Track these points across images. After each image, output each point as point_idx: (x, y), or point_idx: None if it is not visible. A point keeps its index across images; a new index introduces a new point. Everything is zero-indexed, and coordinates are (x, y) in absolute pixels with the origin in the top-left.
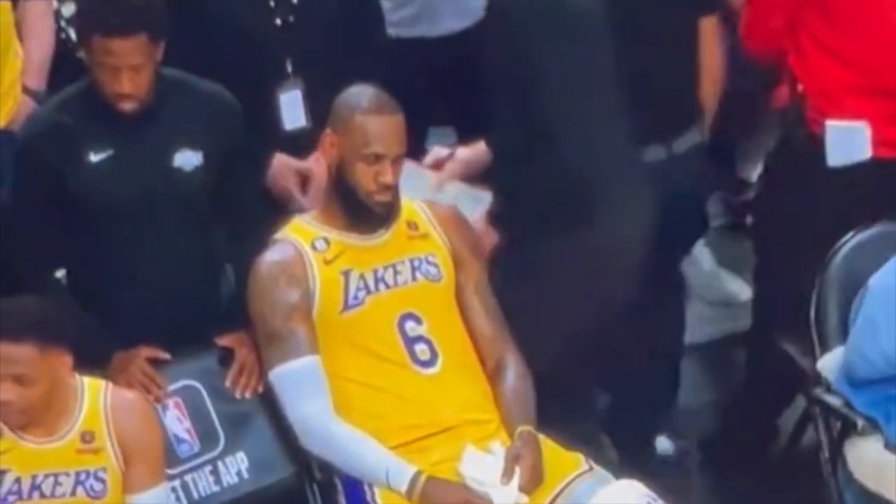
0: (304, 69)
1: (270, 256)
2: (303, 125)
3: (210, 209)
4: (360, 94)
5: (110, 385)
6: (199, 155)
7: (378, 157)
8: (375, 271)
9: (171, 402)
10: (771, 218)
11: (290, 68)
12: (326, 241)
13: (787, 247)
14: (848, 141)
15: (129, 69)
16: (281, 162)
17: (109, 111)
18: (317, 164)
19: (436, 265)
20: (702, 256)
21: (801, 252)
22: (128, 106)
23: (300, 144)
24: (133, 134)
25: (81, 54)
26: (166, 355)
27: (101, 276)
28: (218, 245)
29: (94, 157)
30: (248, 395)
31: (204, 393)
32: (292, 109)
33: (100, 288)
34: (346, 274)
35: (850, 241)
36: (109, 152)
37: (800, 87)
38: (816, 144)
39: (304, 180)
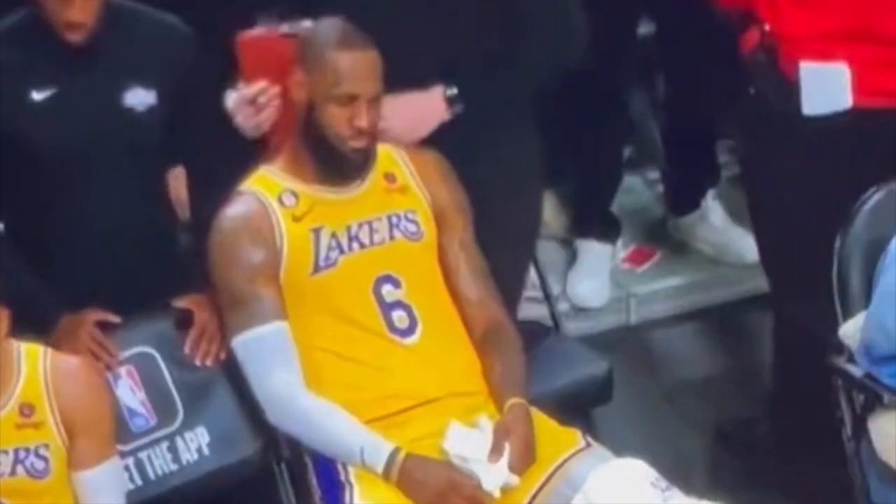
0: None
1: (233, 211)
2: None
3: (165, 155)
4: (330, 28)
5: (49, 351)
6: (152, 94)
7: (351, 98)
8: (349, 228)
9: (123, 371)
10: (757, 175)
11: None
12: (295, 194)
13: (782, 207)
14: (825, 85)
15: None
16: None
17: (54, 43)
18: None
19: (415, 222)
20: (712, 210)
21: (799, 212)
22: (77, 35)
23: None
24: (80, 69)
25: None
26: (117, 319)
27: (44, 228)
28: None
29: (37, 95)
30: (208, 362)
31: (160, 360)
32: None
33: (42, 242)
34: (317, 231)
35: (870, 199)
36: (54, 90)
37: (767, 30)
38: (791, 92)
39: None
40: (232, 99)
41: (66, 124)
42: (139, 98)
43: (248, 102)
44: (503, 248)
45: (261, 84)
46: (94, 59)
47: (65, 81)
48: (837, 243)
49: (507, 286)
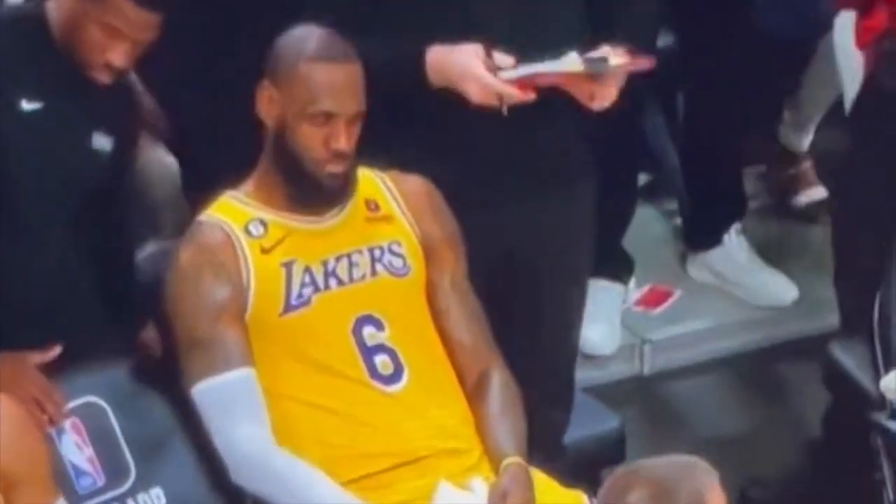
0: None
1: (193, 242)
2: None
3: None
4: (305, 37)
5: None
6: (111, 140)
7: (329, 117)
8: (325, 263)
9: (68, 424)
10: (853, 195)
11: None
12: (264, 223)
13: (873, 234)
14: None
15: (133, 43)
16: None
17: (50, 51)
18: None
19: (401, 256)
20: (737, 246)
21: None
22: (106, 77)
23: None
24: (70, 89)
25: None
26: (56, 351)
27: None
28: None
29: (27, 106)
30: None
31: (110, 412)
32: None
33: None
34: (288, 266)
35: None
36: (42, 104)
37: None
38: None
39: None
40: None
41: (47, 145)
42: (103, 143)
43: None
44: (563, 294)
45: None
46: (83, 84)
47: (52, 98)
48: (885, 275)
49: (567, 337)
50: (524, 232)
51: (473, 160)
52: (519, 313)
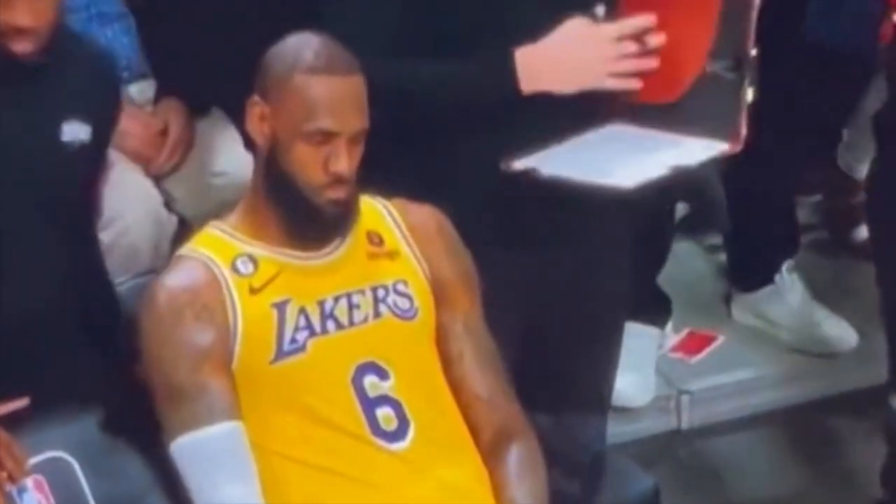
0: None
1: (173, 281)
2: None
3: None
4: (301, 46)
5: None
6: (86, 129)
7: (328, 136)
8: (322, 304)
9: (30, 483)
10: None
11: None
12: (253, 259)
13: None
14: None
15: None
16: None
17: None
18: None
19: (408, 296)
20: (790, 286)
21: None
22: (22, 46)
23: None
24: (17, 90)
25: None
26: (23, 403)
27: None
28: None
29: None
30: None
31: (78, 469)
32: None
33: None
34: (281, 307)
35: None
36: None
37: None
38: None
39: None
40: (583, 26)
41: None
42: (74, 131)
43: (619, 39)
44: (596, 341)
45: (646, 18)
46: (35, 75)
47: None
48: None
49: (598, 389)
50: (555, 270)
51: (498, 190)
52: (545, 362)
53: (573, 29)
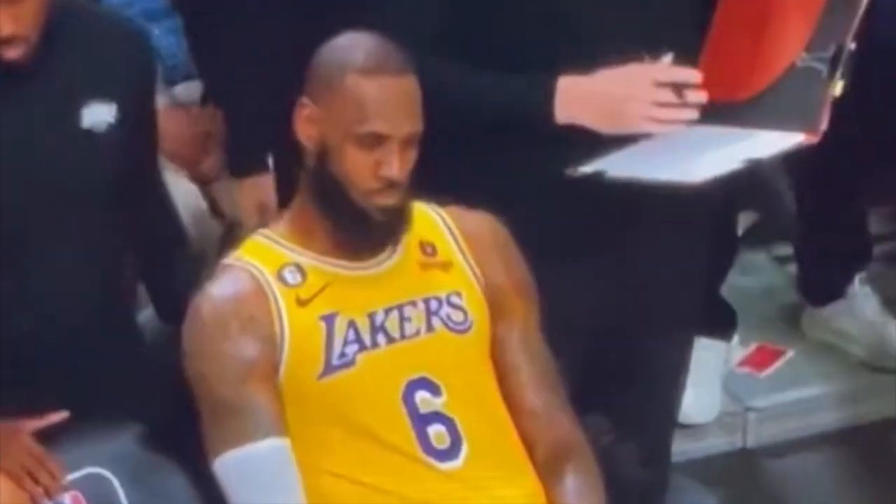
0: None
1: (218, 290)
2: None
3: (129, 194)
4: (353, 46)
5: None
6: (112, 108)
7: (379, 139)
8: (372, 316)
9: (67, 499)
10: None
11: None
12: (301, 269)
13: None
14: None
15: (6, 2)
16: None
17: None
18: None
19: (462, 308)
20: (863, 299)
21: None
22: (13, 52)
23: None
24: (23, 87)
25: None
26: (61, 417)
27: None
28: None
29: None
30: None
31: (118, 485)
32: None
33: None
34: (330, 320)
35: None
36: None
37: None
38: None
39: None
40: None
41: (8, 159)
42: (98, 114)
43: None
44: (666, 356)
45: (693, 73)
46: (40, 71)
47: (3, 105)
48: None
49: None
50: (622, 283)
51: (562, 201)
52: (608, 378)
53: (622, 68)
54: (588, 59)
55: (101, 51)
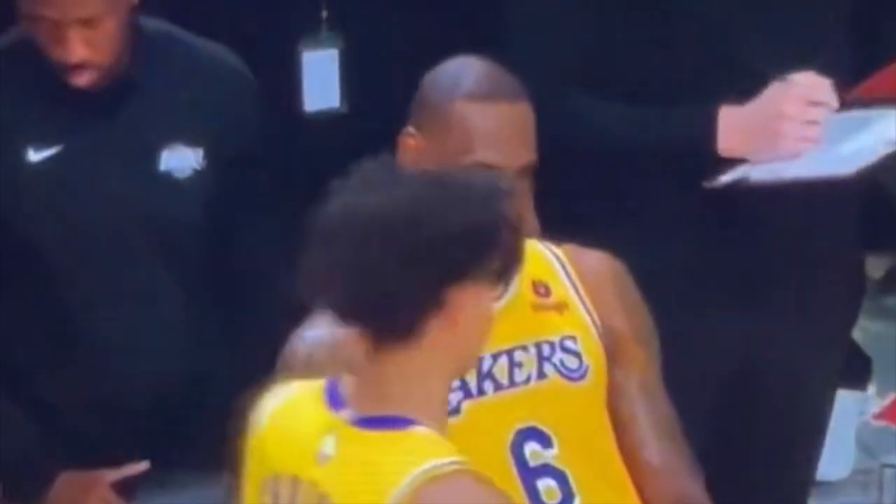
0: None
1: (313, 334)
2: (334, 106)
3: (213, 242)
4: (462, 71)
5: None
6: (197, 153)
7: (489, 170)
8: (479, 361)
9: None
10: None
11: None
12: None
13: None
14: None
15: (80, 25)
16: None
17: (58, 84)
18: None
19: (577, 353)
20: None
21: None
22: (82, 79)
23: (326, 143)
24: (95, 120)
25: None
26: (141, 468)
27: (37, 348)
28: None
29: (35, 156)
30: None
31: None
32: (321, 79)
33: (34, 369)
34: None
35: None
36: (57, 148)
37: None
38: None
39: None
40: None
41: (73, 198)
42: (180, 159)
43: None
44: (807, 410)
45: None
46: (116, 106)
47: (73, 138)
48: None
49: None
50: (764, 331)
51: (709, 241)
52: (742, 433)
53: (774, 88)
54: (743, 87)
55: (193, 89)
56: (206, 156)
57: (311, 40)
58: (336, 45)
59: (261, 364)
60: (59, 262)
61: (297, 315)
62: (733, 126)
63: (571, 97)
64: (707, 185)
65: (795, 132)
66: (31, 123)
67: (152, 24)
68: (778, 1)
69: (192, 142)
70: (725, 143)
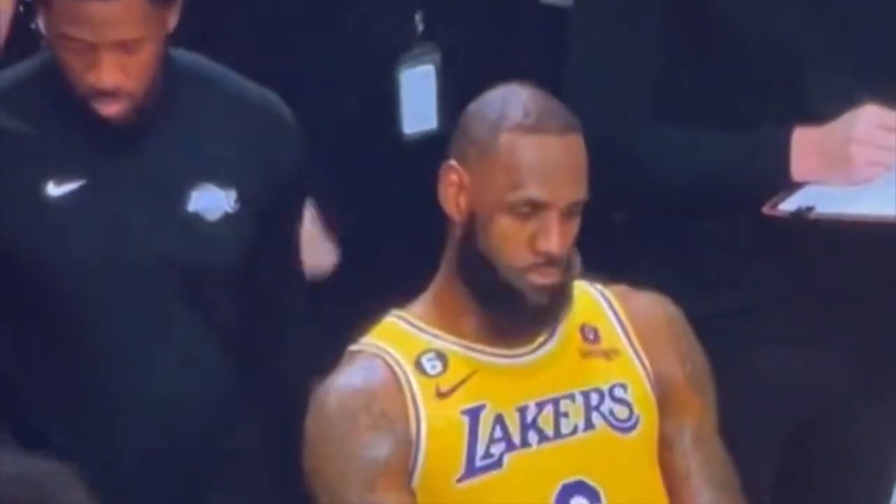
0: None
1: (345, 381)
2: (432, 128)
3: (244, 288)
4: (507, 101)
5: None
6: (230, 195)
7: (537, 208)
8: (523, 411)
9: None
10: None
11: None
12: (442, 357)
13: None
14: None
15: (116, 48)
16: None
17: (83, 114)
18: None
19: (627, 403)
20: None
21: None
22: (112, 108)
23: (427, 166)
24: (121, 154)
25: (37, 24)
26: None
27: (53, 394)
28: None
29: (55, 190)
30: None
31: None
32: (420, 99)
33: (52, 421)
34: (474, 414)
35: None
36: (80, 182)
37: None
38: None
39: None
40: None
41: (95, 238)
42: (210, 199)
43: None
44: (879, 464)
45: None
46: (144, 140)
47: (97, 172)
48: None
49: None
50: (836, 375)
51: (775, 282)
52: (804, 481)
53: (848, 114)
54: (815, 112)
55: (229, 126)
56: (239, 199)
57: (407, 58)
58: (432, 60)
59: (287, 412)
60: (77, 305)
61: (324, 365)
62: (808, 150)
63: (636, 130)
64: (767, 211)
65: (867, 156)
66: (53, 155)
67: (185, 56)
68: (848, 27)
69: (223, 183)
70: (799, 167)
